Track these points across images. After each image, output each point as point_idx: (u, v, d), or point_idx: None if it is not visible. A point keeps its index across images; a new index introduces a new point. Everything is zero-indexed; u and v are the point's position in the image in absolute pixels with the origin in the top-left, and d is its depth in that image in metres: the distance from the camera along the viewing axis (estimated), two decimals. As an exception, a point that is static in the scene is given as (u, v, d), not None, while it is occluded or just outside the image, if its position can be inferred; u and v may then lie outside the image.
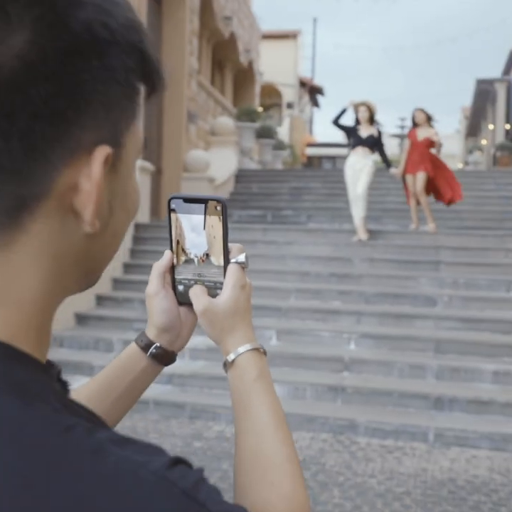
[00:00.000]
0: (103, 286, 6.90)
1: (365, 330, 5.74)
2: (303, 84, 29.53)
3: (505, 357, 5.20)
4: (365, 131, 7.90)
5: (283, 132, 22.32)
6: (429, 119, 8.52)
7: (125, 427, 4.44)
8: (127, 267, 7.56)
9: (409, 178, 8.61)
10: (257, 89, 18.71)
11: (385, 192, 10.18)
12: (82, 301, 6.47)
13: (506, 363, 5.09)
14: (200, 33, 12.29)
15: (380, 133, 8.01)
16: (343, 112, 8.14)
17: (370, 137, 7.87)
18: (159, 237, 8.20)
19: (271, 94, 25.65)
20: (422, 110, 8.57)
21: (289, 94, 26.86)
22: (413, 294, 6.37)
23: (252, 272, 7.04)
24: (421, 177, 8.42)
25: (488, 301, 6.18)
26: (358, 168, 7.86)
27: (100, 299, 6.75)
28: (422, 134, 8.48)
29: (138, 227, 8.30)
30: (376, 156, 8.18)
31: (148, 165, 8.93)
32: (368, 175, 7.87)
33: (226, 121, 12.72)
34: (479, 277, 6.66)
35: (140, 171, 8.50)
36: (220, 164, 11.56)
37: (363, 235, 7.82)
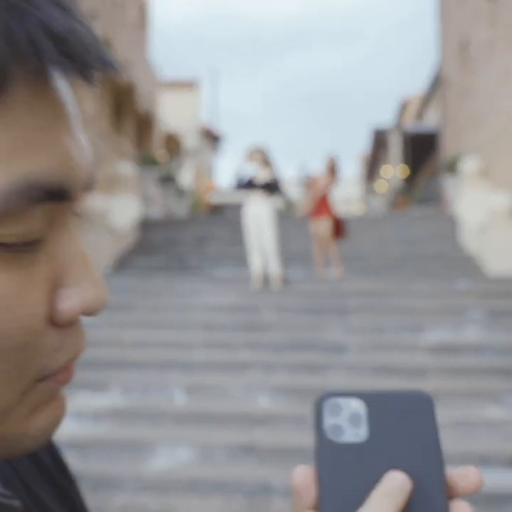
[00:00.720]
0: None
1: (276, 382, 5.53)
2: (204, 132, 29.69)
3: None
4: (260, 176, 7.81)
5: (187, 180, 22.21)
6: (332, 165, 8.60)
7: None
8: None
9: (312, 223, 8.61)
10: (158, 136, 18.57)
11: (288, 238, 10.15)
12: None
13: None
14: (98, 80, 12.02)
15: (276, 176, 7.92)
16: (240, 178, 7.98)
17: (266, 182, 7.78)
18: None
19: (173, 142, 25.62)
20: (331, 157, 8.64)
21: (190, 142, 26.89)
22: (323, 343, 6.23)
23: (155, 325, 6.73)
24: (325, 222, 8.43)
25: (397, 347, 6.12)
26: (260, 219, 7.72)
27: None
28: (323, 179, 8.54)
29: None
30: (274, 200, 8.11)
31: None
32: (272, 229, 7.76)
33: (126, 168, 12.43)
34: (387, 322, 6.63)
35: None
36: (121, 212, 11.23)
37: (279, 283, 7.77)
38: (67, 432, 4.74)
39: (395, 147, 24.54)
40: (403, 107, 28.72)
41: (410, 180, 24.14)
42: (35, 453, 0.52)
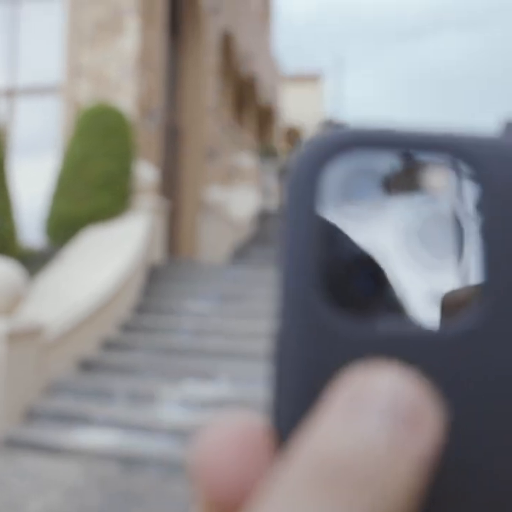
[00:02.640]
0: (110, 329, 6.54)
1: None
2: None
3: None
4: None
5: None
6: None
7: (122, 489, 4.01)
8: (139, 309, 7.19)
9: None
10: (280, 129, 18.56)
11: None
12: (86, 346, 6.10)
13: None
14: (221, 72, 12.14)
15: None
16: None
17: None
18: (175, 277, 7.87)
19: (294, 136, 25.59)
20: None
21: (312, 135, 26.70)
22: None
23: (266, 315, 6.65)
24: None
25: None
26: None
27: (107, 344, 6.37)
28: None
29: (153, 266, 7.96)
30: None
31: (163, 203, 8.64)
32: None
33: (246, 160, 12.46)
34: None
35: (153, 211, 8.22)
36: (240, 204, 11.27)
37: None
38: (172, 419, 4.74)
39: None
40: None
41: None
42: None
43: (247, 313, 6.67)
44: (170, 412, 4.89)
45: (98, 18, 8.96)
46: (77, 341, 5.94)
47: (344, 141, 0.16)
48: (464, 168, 0.16)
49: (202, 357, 5.55)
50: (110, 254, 7.10)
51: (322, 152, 0.16)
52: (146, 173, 8.29)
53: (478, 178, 0.16)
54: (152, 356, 6.04)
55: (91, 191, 7.77)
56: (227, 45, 12.54)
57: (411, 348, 0.15)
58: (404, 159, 0.16)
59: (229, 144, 12.54)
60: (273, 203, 14.18)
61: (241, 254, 10.22)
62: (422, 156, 0.17)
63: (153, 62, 9.21)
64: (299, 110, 25.17)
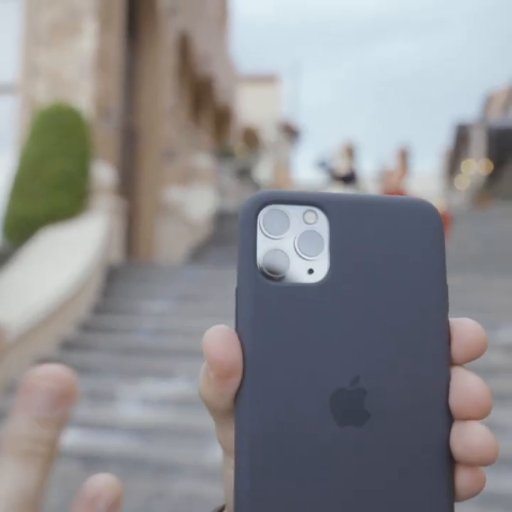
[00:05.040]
0: (69, 329, 6.57)
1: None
2: (283, 127, 29.66)
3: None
4: (340, 168, 7.87)
5: (265, 173, 22.26)
6: (404, 157, 8.43)
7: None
8: (98, 309, 7.22)
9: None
10: (236, 130, 18.68)
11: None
12: (44, 346, 6.13)
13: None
14: (178, 73, 12.20)
15: (354, 168, 7.96)
16: (324, 162, 8.13)
17: (345, 174, 7.86)
18: (134, 277, 7.92)
19: (251, 136, 25.74)
20: (400, 148, 8.48)
21: (269, 136, 26.92)
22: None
23: (224, 314, 6.77)
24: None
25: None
26: None
27: (66, 344, 6.40)
28: (397, 173, 8.37)
29: (111, 267, 7.99)
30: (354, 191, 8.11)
31: (121, 204, 8.68)
32: None
33: (203, 161, 12.55)
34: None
35: (111, 212, 8.25)
36: (198, 204, 11.36)
37: None
38: (132, 417, 4.82)
39: (478, 141, 23.79)
40: (488, 101, 27.83)
41: (494, 176, 23.38)
42: None
43: (205, 313, 6.78)
44: (130, 410, 4.97)
45: (55, 19, 8.95)
46: (35, 341, 5.97)
47: (267, 199, 0.32)
48: (320, 211, 0.32)
49: (161, 356, 5.64)
50: (68, 255, 7.12)
51: (256, 204, 0.32)
52: (103, 173, 8.32)
53: (326, 215, 0.32)
54: (111, 356, 6.10)
55: (48, 191, 7.77)
56: (184, 46, 12.61)
57: (297, 289, 0.31)
58: (297, 207, 0.33)
59: (186, 145, 12.60)
60: (230, 203, 14.30)
61: (199, 254, 10.32)
62: (304, 206, 0.32)
63: (111, 63, 9.24)
64: (256, 111, 25.32)
